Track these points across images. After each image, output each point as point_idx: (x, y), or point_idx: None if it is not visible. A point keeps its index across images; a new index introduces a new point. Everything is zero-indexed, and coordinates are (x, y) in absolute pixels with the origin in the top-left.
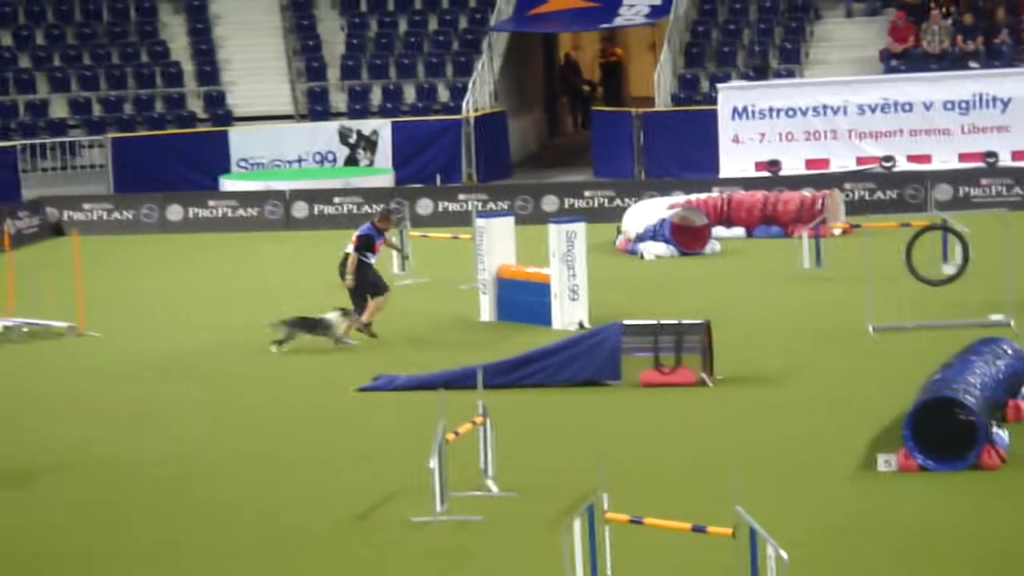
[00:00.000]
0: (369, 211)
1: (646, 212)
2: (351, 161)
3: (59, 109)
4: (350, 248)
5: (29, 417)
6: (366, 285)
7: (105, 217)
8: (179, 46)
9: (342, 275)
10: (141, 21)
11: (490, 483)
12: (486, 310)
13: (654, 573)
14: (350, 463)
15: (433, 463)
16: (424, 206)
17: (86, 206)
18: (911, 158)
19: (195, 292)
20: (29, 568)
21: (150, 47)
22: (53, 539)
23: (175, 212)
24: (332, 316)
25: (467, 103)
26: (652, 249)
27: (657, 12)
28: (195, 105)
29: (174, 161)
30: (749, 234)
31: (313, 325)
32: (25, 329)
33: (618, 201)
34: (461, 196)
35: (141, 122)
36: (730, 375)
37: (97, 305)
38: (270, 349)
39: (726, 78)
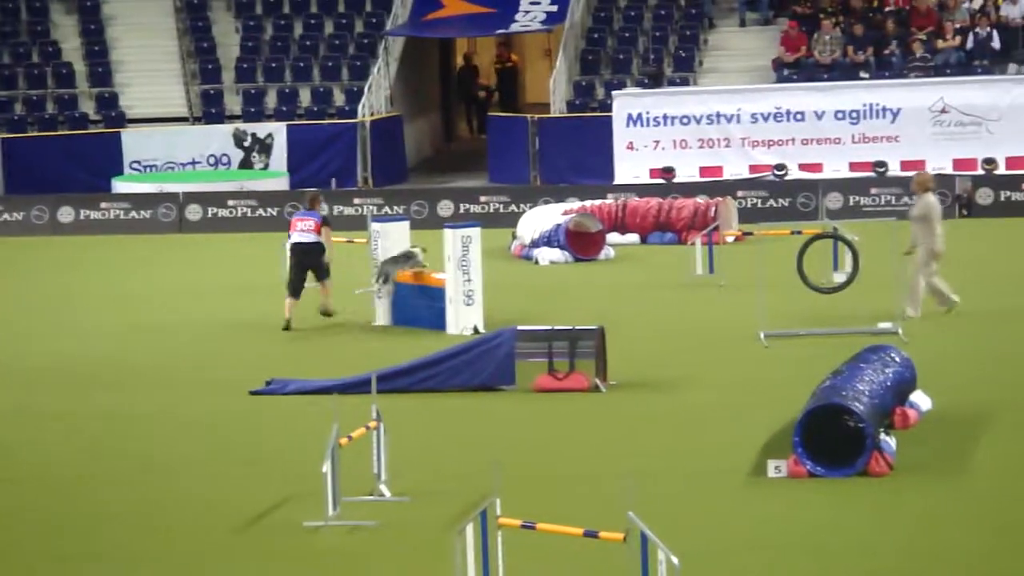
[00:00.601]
0: (264, 215)
1: (541, 218)
2: (246, 164)
3: None
4: (313, 236)
5: None
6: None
7: None
8: (71, 47)
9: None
10: (32, 21)
11: (383, 488)
12: (381, 314)
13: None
14: (241, 468)
15: (326, 468)
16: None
17: None
18: (803, 167)
19: (86, 295)
20: None
21: (41, 47)
22: None
23: (66, 214)
24: (417, 249)
25: (363, 107)
26: (547, 255)
27: (553, 19)
28: (87, 106)
29: (66, 163)
30: (643, 240)
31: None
32: None
33: (513, 207)
34: (356, 200)
35: (32, 123)
36: (624, 381)
37: None
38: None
39: (621, 85)
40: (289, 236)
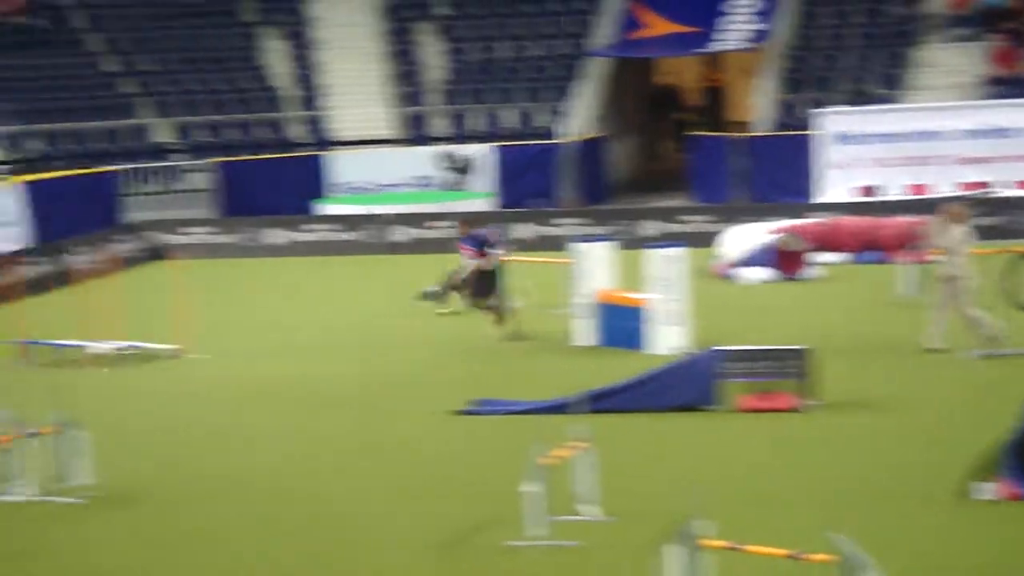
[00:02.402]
0: None
1: (745, 237)
2: (450, 186)
3: (162, 134)
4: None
5: (134, 439)
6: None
7: (207, 240)
8: (281, 71)
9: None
10: (243, 47)
11: (587, 508)
12: (584, 335)
13: None
14: (444, 488)
15: (528, 488)
16: (523, 230)
17: (187, 230)
18: (1018, 184)
19: (293, 316)
20: None
21: (252, 72)
22: (153, 557)
23: (275, 236)
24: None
25: (566, 128)
26: (751, 274)
27: (757, 37)
28: (296, 130)
29: (274, 185)
30: (850, 259)
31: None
32: (130, 352)
33: (717, 226)
34: (559, 220)
35: (243, 146)
36: (829, 401)
37: (198, 328)
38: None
39: (825, 103)
40: None
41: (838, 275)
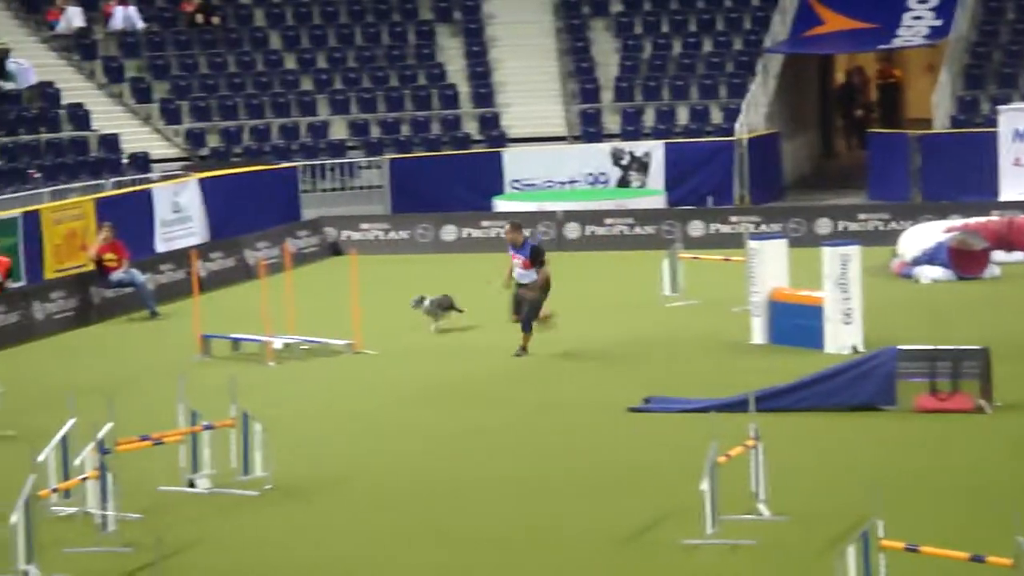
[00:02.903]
0: (640, 232)
1: (922, 235)
2: (623, 182)
3: (339, 131)
4: (527, 275)
5: (307, 433)
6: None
7: (381, 237)
8: (456, 68)
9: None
10: (419, 44)
11: (762, 507)
12: (758, 333)
13: None
14: (620, 485)
15: (705, 485)
16: (696, 228)
17: (363, 226)
18: None
19: (468, 312)
20: None
21: (428, 70)
22: (327, 552)
23: (449, 232)
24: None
25: (740, 124)
26: (928, 273)
27: (937, 33)
28: (471, 127)
29: (449, 182)
30: None
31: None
32: (304, 347)
33: (893, 224)
34: (733, 218)
35: (418, 143)
36: (1009, 403)
37: (373, 324)
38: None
39: (1007, 100)
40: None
41: (1017, 274)
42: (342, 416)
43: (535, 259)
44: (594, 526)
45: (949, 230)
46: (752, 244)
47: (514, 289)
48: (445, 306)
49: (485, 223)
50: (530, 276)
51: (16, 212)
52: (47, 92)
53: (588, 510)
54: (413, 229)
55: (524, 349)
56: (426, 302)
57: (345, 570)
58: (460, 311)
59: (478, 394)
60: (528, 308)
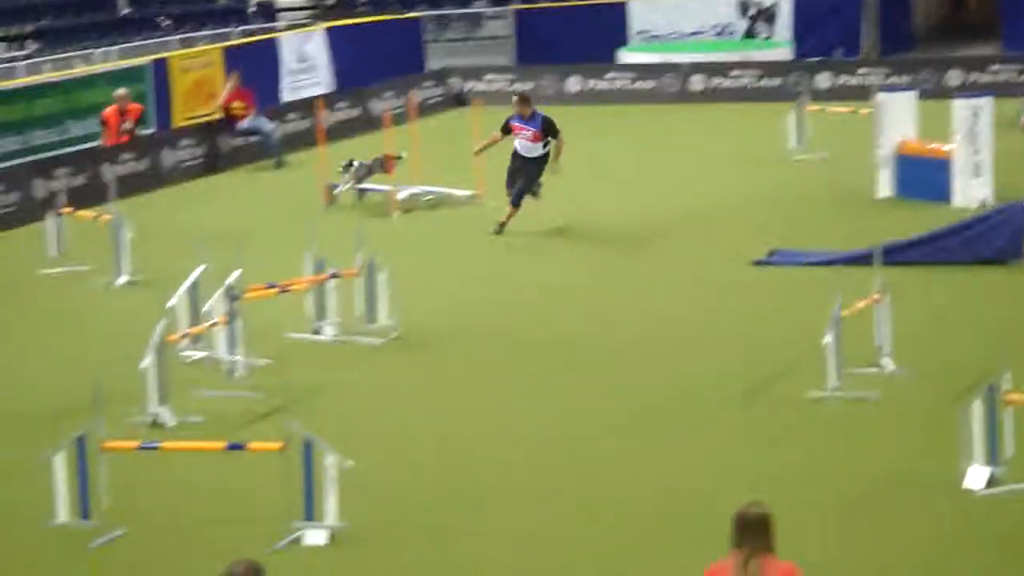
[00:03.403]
0: (766, 85)
1: None
2: (750, 34)
3: None
4: (533, 147)
5: (433, 281)
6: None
7: (506, 88)
8: None
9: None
10: None
11: (886, 360)
12: (884, 186)
13: None
14: (745, 339)
15: (828, 339)
16: (823, 80)
17: (488, 77)
18: None
19: (588, 164)
20: None
21: None
22: (448, 402)
23: (573, 84)
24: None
25: None
26: None
27: None
28: None
29: (574, 33)
30: None
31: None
32: (429, 197)
33: None
34: (861, 70)
35: None
36: None
37: (496, 175)
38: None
39: None
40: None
41: None
42: (466, 266)
43: (549, 130)
44: (718, 380)
45: None
46: (880, 97)
47: (511, 163)
48: (372, 171)
49: (610, 75)
50: (536, 149)
51: (146, 59)
52: None
53: (713, 363)
54: (538, 81)
55: (502, 225)
56: (355, 165)
57: (469, 421)
58: (397, 159)
59: (604, 239)
60: (524, 182)
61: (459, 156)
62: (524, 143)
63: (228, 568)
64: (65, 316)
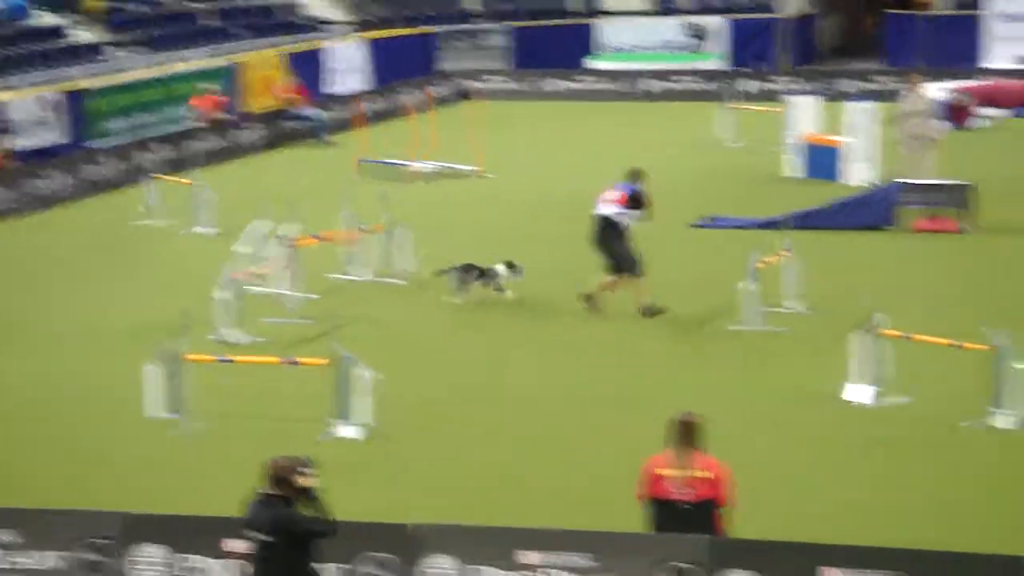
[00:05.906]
0: (705, 88)
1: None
2: (692, 49)
3: (470, 2)
4: (614, 209)
5: (445, 235)
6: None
7: (500, 87)
8: None
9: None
10: None
11: (791, 303)
12: (793, 168)
13: (918, 378)
14: (678, 284)
15: (747, 284)
16: (747, 85)
17: (486, 77)
18: None
19: (567, 146)
20: None
21: None
22: (459, 339)
23: (554, 84)
24: (500, 268)
25: (786, 5)
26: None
27: None
28: (573, 2)
29: (554, 45)
30: (1011, 114)
31: (481, 273)
32: (441, 171)
33: (902, 85)
34: (776, 78)
35: (530, 14)
36: (986, 227)
37: (494, 154)
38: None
39: None
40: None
41: (1000, 127)
42: (469, 224)
43: (636, 203)
44: (663, 319)
45: (945, 90)
46: (790, 99)
47: (596, 225)
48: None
49: (583, 77)
50: (614, 210)
51: (225, 61)
52: None
53: (655, 302)
54: (526, 81)
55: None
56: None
57: (483, 344)
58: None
59: (575, 207)
60: (623, 255)
61: (463, 139)
62: (609, 205)
63: (273, 461)
64: (155, 259)
